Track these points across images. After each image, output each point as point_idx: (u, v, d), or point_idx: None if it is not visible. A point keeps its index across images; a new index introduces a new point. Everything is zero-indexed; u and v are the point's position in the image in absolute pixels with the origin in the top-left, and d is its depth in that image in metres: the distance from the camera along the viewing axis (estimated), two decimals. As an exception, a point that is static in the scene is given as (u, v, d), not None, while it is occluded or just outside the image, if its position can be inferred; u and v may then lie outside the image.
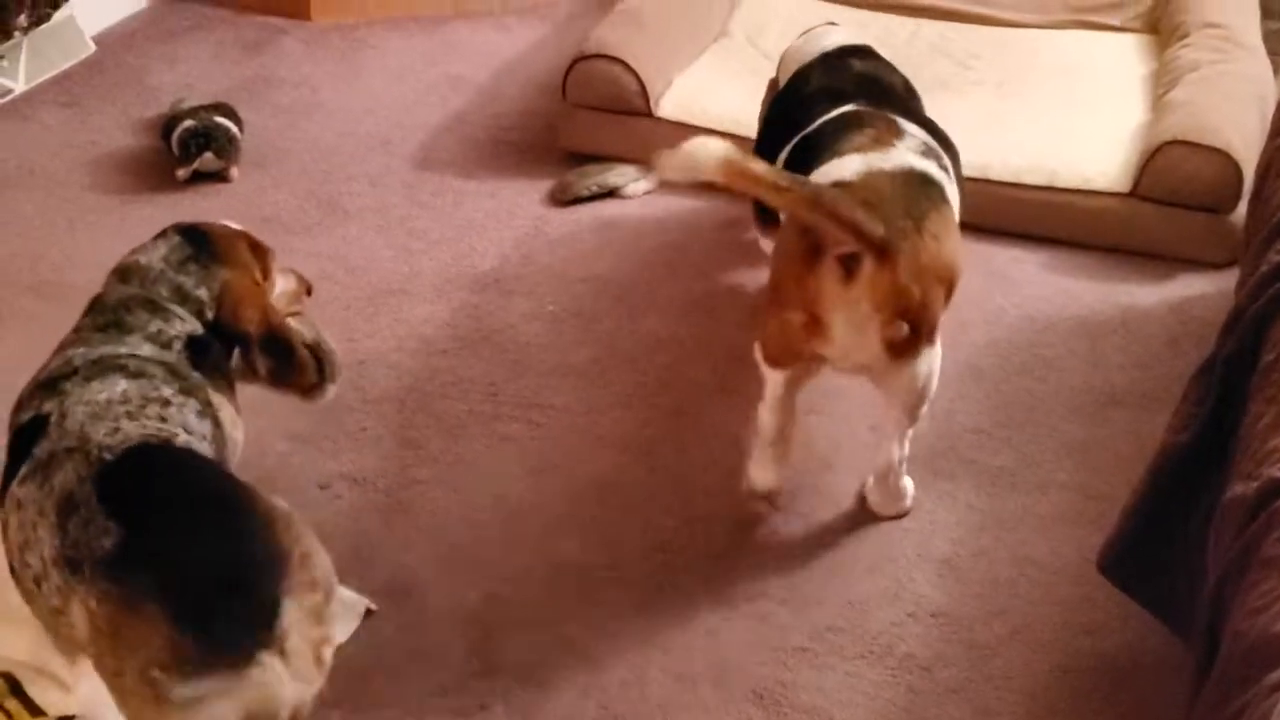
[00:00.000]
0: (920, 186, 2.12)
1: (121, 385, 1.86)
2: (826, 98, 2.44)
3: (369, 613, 2.14)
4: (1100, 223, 3.04)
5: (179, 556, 1.61)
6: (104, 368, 1.89)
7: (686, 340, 2.78)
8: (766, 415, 2.29)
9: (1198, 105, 3.07)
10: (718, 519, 2.34)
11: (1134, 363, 2.73)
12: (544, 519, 2.34)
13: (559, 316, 2.85)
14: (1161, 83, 3.30)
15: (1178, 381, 2.63)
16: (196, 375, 1.97)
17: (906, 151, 2.15)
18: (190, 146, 3.21)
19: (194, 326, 2.02)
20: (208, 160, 3.22)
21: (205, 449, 1.85)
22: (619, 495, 2.39)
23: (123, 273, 2.05)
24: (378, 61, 3.88)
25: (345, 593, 2.15)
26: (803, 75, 2.59)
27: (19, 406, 1.89)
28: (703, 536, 2.31)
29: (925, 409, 2.23)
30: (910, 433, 2.28)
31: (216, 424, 1.95)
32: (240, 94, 3.64)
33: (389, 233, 3.13)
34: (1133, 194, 3.02)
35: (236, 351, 2.08)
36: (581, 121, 3.33)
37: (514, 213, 3.19)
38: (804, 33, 2.75)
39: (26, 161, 3.35)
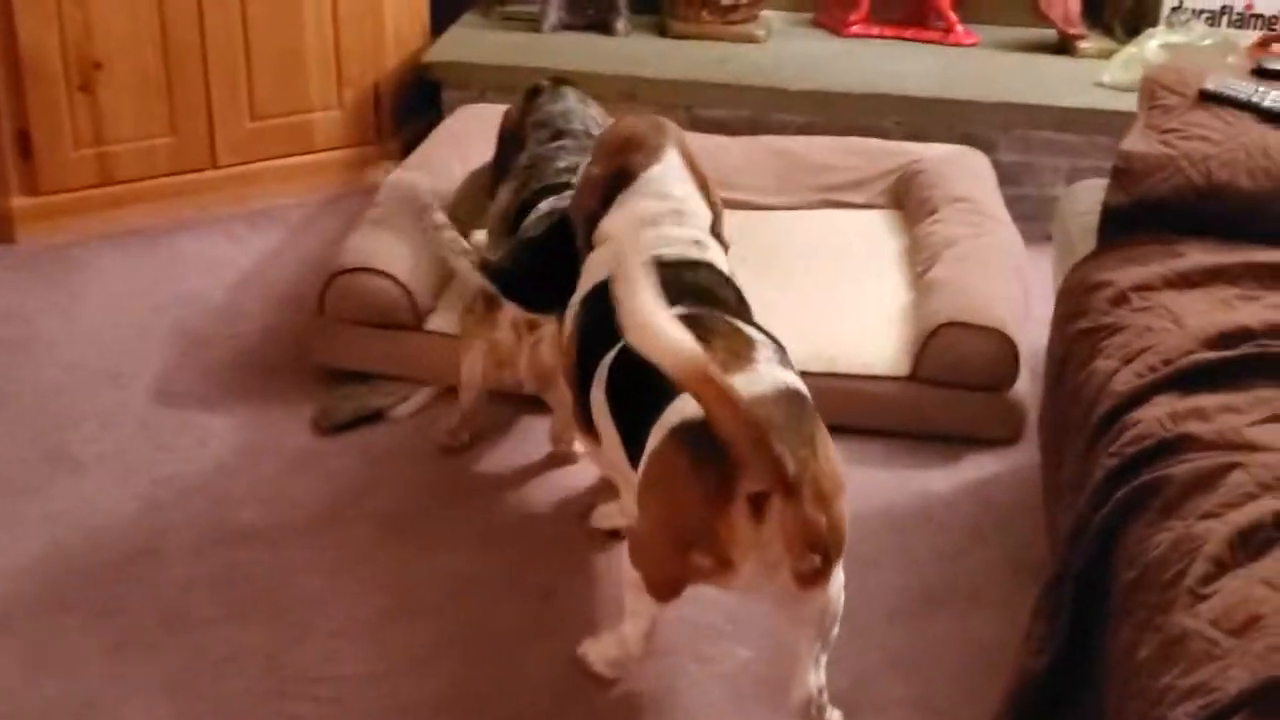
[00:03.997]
0: (799, 404, 2.00)
1: None
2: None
3: None
4: (885, 407, 3.00)
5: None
6: None
7: (492, 576, 2.55)
8: (638, 642, 2.20)
9: (964, 284, 3.09)
10: (549, 790, 2.12)
11: (942, 555, 2.67)
12: (352, 817, 2.07)
13: (339, 565, 2.59)
14: (920, 260, 3.32)
15: (988, 573, 2.58)
16: None
17: (769, 365, 2.03)
18: (-111, 406, 2.82)
19: None
20: (-90, 419, 2.84)
21: None
22: (434, 774, 2.14)
23: None
24: (98, 284, 3.56)
25: None
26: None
27: None
28: (536, 814, 2.08)
29: (836, 628, 2.09)
30: (824, 657, 2.10)
31: None
32: (-59, 333, 3.26)
33: (130, 483, 2.79)
34: (913, 377, 3.00)
35: None
36: (341, 337, 3.10)
37: (270, 447, 2.91)
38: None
39: None
